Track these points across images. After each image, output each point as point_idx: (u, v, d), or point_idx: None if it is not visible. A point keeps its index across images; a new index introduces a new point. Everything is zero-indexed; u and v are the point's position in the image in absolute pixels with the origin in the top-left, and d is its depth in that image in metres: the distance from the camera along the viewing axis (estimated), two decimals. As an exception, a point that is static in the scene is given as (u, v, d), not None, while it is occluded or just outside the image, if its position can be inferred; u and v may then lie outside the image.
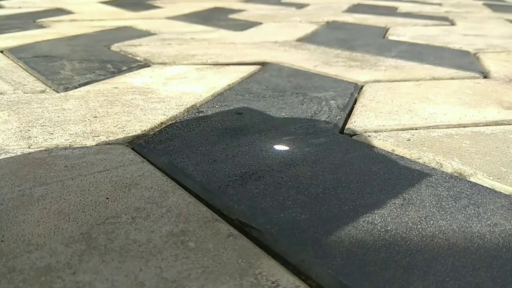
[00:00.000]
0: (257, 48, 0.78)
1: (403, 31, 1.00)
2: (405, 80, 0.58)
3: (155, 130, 0.40)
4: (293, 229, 0.25)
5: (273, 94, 0.51)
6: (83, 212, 0.26)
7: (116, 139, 0.37)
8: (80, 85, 0.54)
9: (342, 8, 1.48)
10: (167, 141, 0.37)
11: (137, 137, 0.38)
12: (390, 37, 0.93)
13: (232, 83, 0.55)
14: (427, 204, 0.27)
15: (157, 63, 0.66)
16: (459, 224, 0.25)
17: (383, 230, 0.25)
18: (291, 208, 0.27)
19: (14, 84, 0.54)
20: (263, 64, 0.66)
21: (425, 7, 1.55)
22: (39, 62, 0.65)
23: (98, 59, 0.68)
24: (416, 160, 0.34)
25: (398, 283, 0.21)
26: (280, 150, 0.35)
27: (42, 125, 0.41)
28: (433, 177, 0.31)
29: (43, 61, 0.65)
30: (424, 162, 0.34)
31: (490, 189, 0.30)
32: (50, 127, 0.40)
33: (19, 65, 0.63)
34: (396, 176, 0.31)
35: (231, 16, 1.25)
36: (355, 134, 0.40)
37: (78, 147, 0.36)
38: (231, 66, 0.65)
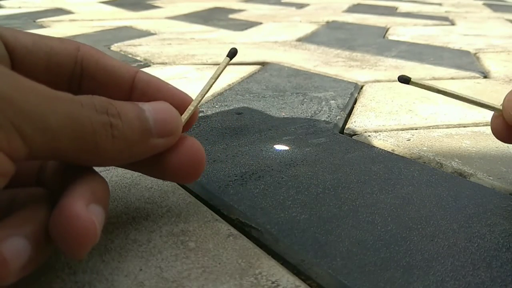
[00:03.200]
0: (257, 48, 0.78)
1: (403, 31, 1.00)
2: (405, 80, 0.58)
3: (155, 130, 0.40)
4: (293, 229, 0.25)
5: (273, 94, 0.51)
6: (83, 212, 0.26)
7: (116, 139, 0.37)
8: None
9: (342, 8, 1.48)
10: (167, 141, 0.37)
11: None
12: (390, 37, 0.93)
13: (232, 83, 0.55)
14: (427, 204, 0.27)
15: (157, 63, 0.66)
16: (459, 224, 0.25)
17: (383, 230, 0.25)
18: (291, 208, 0.27)
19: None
20: (263, 64, 0.66)
21: (425, 7, 1.55)
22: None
23: (98, 59, 0.67)
24: (416, 160, 0.34)
25: (398, 283, 0.21)
26: (280, 150, 0.35)
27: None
28: (433, 177, 0.31)
29: (43, 61, 0.65)
30: (424, 162, 0.34)
31: (490, 189, 0.30)
32: (50, 127, 0.40)
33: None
34: (396, 176, 0.31)
35: (231, 16, 1.25)
36: (355, 134, 0.40)
37: (78, 147, 0.36)
38: (231, 66, 0.65)
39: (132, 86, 0.24)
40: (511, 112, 0.25)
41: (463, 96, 0.26)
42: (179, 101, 0.24)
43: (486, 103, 0.26)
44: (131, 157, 0.21)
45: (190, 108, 0.24)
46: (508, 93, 0.26)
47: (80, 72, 0.23)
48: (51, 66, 0.22)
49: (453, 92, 0.25)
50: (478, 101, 0.26)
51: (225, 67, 0.26)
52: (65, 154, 0.18)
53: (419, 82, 0.25)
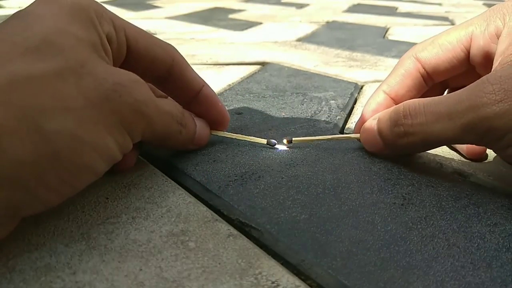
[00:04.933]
0: (257, 48, 0.78)
1: (403, 31, 1.00)
2: (405, 80, 0.58)
3: (155, 130, 0.40)
4: (293, 229, 0.25)
5: (273, 94, 0.51)
6: (83, 212, 0.26)
7: (116, 139, 0.37)
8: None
9: (342, 8, 1.48)
10: (167, 141, 0.37)
11: (137, 137, 0.38)
12: (390, 37, 0.93)
13: (232, 83, 0.55)
14: (427, 204, 0.27)
15: (157, 63, 0.66)
16: (459, 224, 0.25)
17: (383, 230, 0.25)
18: (291, 208, 0.27)
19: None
20: (263, 64, 0.66)
21: (425, 7, 1.55)
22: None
23: (98, 59, 0.67)
24: (416, 160, 0.34)
25: (398, 283, 0.21)
26: (280, 150, 0.35)
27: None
28: (433, 177, 0.31)
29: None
30: (424, 162, 0.34)
31: (490, 189, 0.30)
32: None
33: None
34: (396, 176, 0.31)
35: (231, 16, 1.25)
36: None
37: (78, 147, 0.36)
38: (231, 66, 0.65)
39: (198, 93, 0.32)
40: (362, 136, 0.34)
41: (322, 138, 0.36)
42: (220, 116, 0.34)
43: (343, 137, 0.35)
44: (175, 148, 0.34)
45: (221, 135, 0.35)
46: (361, 123, 0.34)
47: (167, 75, 0.30)
48: (148, 70, 0.29)
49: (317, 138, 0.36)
50: (336, 138, 0.36)
51: (259, 142, 0.35)
52: (149, 142, 0.28)
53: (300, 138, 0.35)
